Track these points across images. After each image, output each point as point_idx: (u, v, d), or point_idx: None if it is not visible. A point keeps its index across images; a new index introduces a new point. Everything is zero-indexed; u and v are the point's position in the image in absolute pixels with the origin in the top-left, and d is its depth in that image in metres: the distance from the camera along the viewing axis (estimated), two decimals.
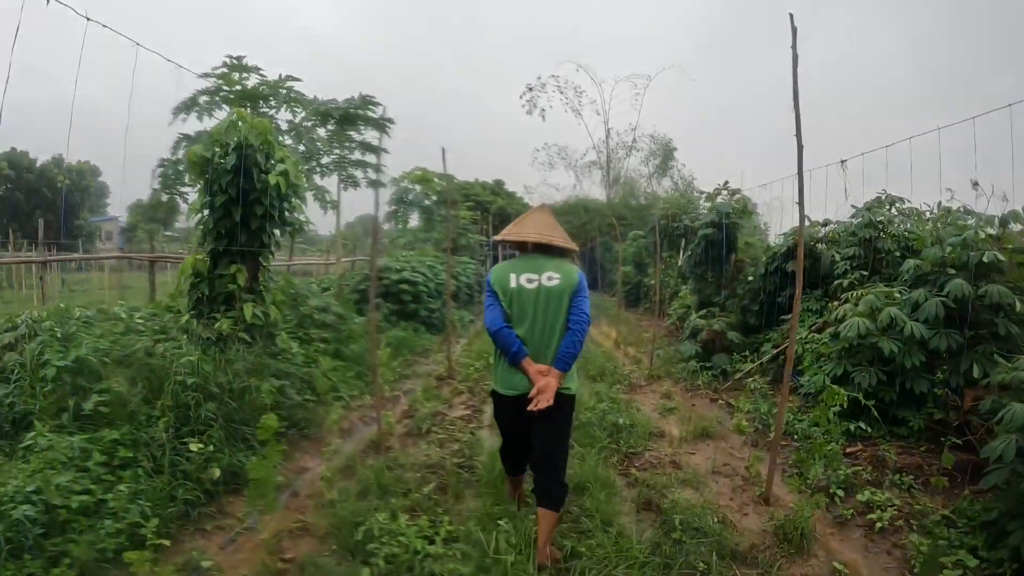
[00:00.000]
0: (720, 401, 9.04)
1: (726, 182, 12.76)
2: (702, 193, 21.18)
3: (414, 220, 24.38)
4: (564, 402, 4.02)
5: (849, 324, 7.01)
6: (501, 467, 4.84)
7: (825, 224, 10.60)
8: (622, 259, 21.18)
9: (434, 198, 23.25)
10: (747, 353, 10.68)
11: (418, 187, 23.18)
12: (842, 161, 9.56)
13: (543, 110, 43.94)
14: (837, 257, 9.62)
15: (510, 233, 4.31)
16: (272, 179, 7.01)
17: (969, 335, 6.50)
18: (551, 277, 4.00)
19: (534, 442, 4.13)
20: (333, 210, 14.82)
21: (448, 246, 12.25)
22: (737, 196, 12.48)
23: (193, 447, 5.17)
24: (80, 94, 6.03)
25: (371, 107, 14.01)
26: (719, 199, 12.90)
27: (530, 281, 4.00)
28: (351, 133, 14.38)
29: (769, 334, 10.65)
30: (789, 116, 4.85)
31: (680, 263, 20.06)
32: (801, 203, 4.83)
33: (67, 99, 5.85)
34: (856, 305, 7.39)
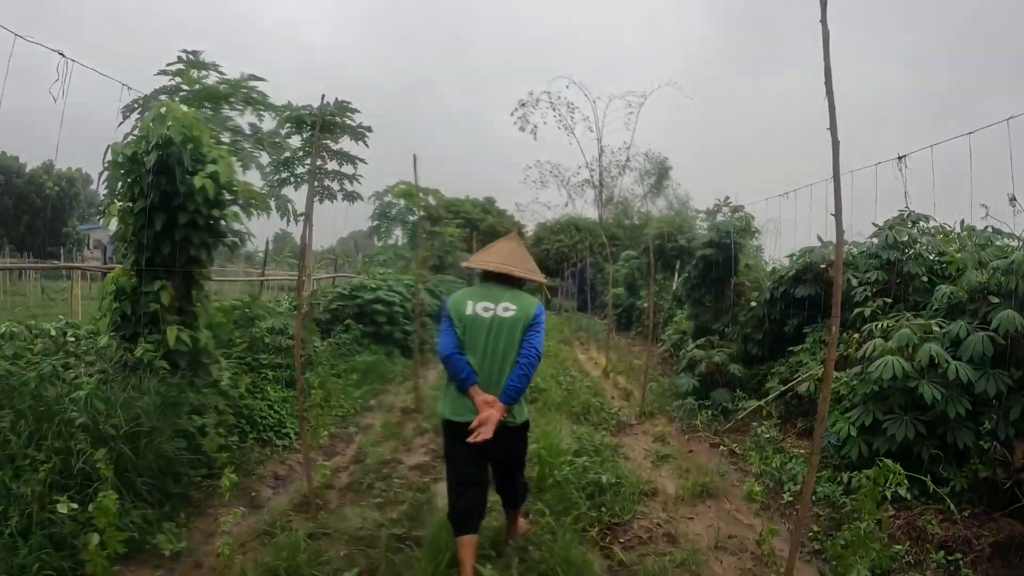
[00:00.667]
0: (722, 446, 7.93)
1: (727, 198, 11.76)
2: (698, 212, 20.47)
3: (400, 237, 23.28)
4: (515, 433, 4.12)
5: (882, 363, 5.88)
6: (449, 539, 4.20)
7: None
8: (613, 280, 20.17)
9: (420, 213, 22.22)
10: (750, 388, 9.62)
11: (402, 202, 22.10)
12: (900, 157, 8.23)
13: (535, 127, 43.18)
14: (854, 282, 8.57)
15: (474, 261, 4.38)
16: (198, 181, 5.92)
17: (1017, 375, 5.47)
18: (507, 308, 3.98)
19: (494, 472, 4.27)
20: (298, 222, 13.71)
21: (419, 263, 11.11)
22: (739, 214, 11.45)
23: (62, 508, 4.06)
24: (73, 101, 5.79)
25: (348, 114, 13.04)
26: (719, 217, 11.85)
27: (486, 310, 3.97)
28: (327, 142, 13.44)
29: (774, 367, 9.60)
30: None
31: (675, 286, 19.10)
32: (838, 212, 3.76)
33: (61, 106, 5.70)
34: (886, 339, 6.28)
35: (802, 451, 7.28)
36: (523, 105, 43.18)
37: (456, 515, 4.06)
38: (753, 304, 10.55)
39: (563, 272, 33.15)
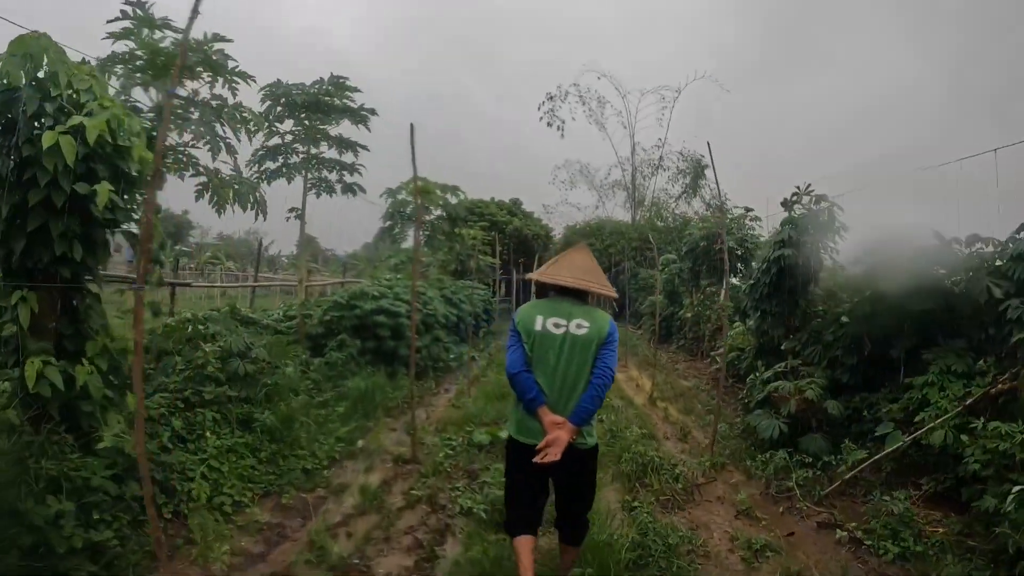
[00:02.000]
0: (834, 523, 5.70)
1: (808, 185, 9.44)
2: (747, 211, 18.18)
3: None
4: (583, 457, 3.85)
5: None
6: None
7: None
8: (658, 286, 17.96)
9: (437, 213, 20.08)
10: (848, 431, 7.42)
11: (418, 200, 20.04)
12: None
13: (563, 122, 40.73)
14: (998, 292, 6.34)
15: (544, 275, 3.99)
16: (47, 139, 3.82)
17: None
18: (580, 325, 3.75)
19: (557, 499, 4.05)
20: (260, 212, 11.66)
21: (415, 265, 8.87)
22: (823, 204, 9.16)
23: None
24: None
25: (346, 93, 11.03)
26: (797, 209, 9.58)
27: (557, 326, 3.76)
28: (323, 127, 11.50)
29: (876, 401, 7.46)
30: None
31: (721, 295, 16.89)
32: None
33: None
34: None
35: (943, 529, 5.32)
36: (551, 98, 40.75)
37: (511, 522, 3.96)
38: (845, 320, 8.30)
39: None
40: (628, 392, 11.89)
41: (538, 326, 3.77)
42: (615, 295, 4.19)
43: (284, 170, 11.37)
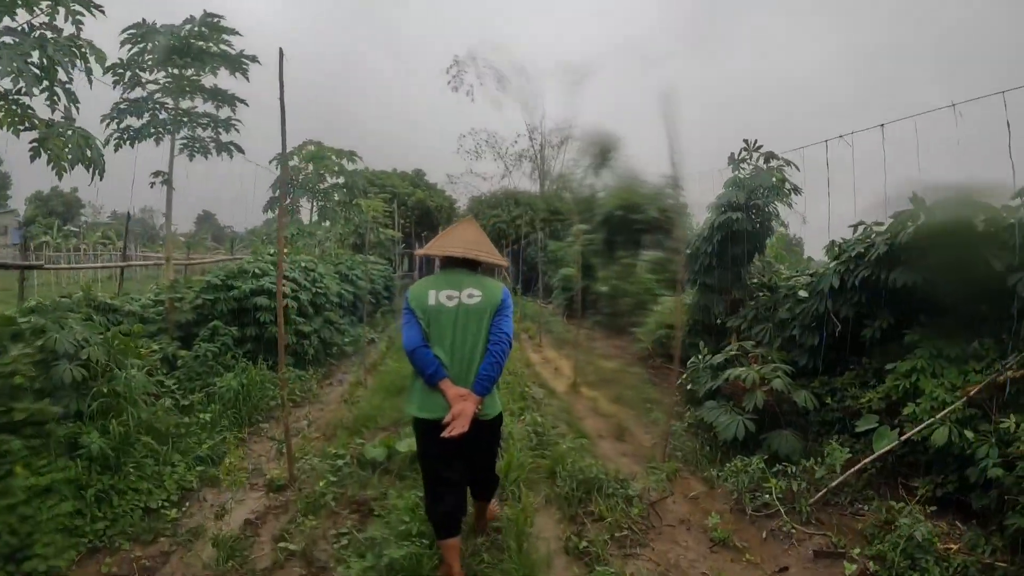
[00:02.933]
0: (835, 549, 4.57)
1: (755, 142, 8.31)
2: (672, 178, 17.17)
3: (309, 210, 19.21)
4: (489, 426, 3.88)
5: None
6: None
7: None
8: (561, 260, 16.78)
9: (332, 180, 18.32)
10: (819, 423, 6.42)
11: (311, 168, 18.15)
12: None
13: (471, 87, 38.91)
14: (997, 264, 5.32)
15: (433, 247, 4.09)
16: None
17: None
18: (472, 294, 3.78)
19: (465, 469, 3.96)
20: (95, 172, 9.91)
21: (280, 235, 7.20)
22: (775, 163, 8.04)
23: None
24: None
25: (222, 36, 9.32)
26: (745, 168, 8.42)
27: (450, 298, 3.77)
28: (194, 77, 9.82)
29: (844, 387, 6.54)
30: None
31: (637, 266, 15.89)
32: None
33: None
34: None
35: (956, 546, 4.40)
36: (458, 62, 38.81)
37: (438, 519, 3.90)
38: (803, 295, 7.25)
39: (501, 251, 28.81)
40: (547, 377, 10.63)
41: (431, 300, 3.76)
42: (506, 263, 4.35)
43: (152, 129, 9.62)
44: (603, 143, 34.21)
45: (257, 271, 10.30)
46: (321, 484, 5.24)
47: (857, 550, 4.44)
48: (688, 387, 8.15)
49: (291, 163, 18.12)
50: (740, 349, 7.32)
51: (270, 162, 17.72)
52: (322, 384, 9.88)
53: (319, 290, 11.19)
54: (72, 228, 48.70)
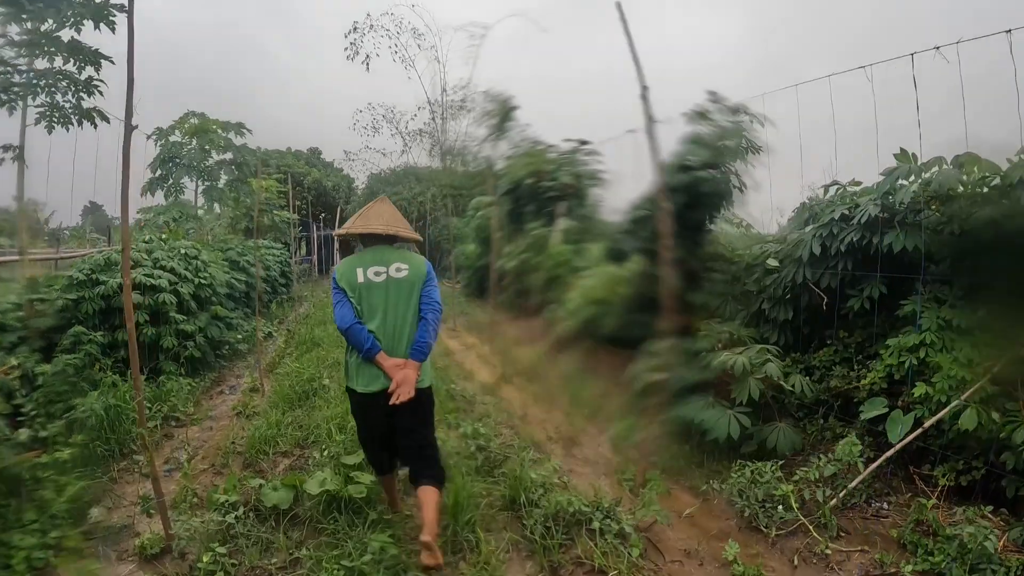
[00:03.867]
0: (884, 572, 3.79)
1: (713, 93, 7.35)
2: (582, 143, 16.24)
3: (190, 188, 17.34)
4: (422, 395, 3.90)
5: None
6: None
7: None
8: (460, 235, 15.62)
9: (217, 156, 16.61)
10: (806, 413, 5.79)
11: (195, 143, 16.35)
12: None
13: (368, 56, 36.60)
14: None
15: (354, 226, 4.14)
16: None
17: None
18: (399, 268, 3.94)
19: (401, 441, 4.03)
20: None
21: (124, 222, 5.82)
22: (739, 118, 7.10)
23: None
24: None
25: None
26: (704, 123, 7.44)
27: (377, 274, 3.91)
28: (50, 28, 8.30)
29: (824, 366, 6.00)
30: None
31: (550, 237, 14.93)
32: None
33: None
34: None
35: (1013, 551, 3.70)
36: (355, 30, 36.34)
37: (375, 468, 4.32)
38: (773, 263, 6.48)
39: None
40: (472, 367, 9.58)
41: (360, 278, 3.87)
42: (420, 239, 4.34)
43: (2, 95, 8.12)
44: (502, 107, 33.05)
45: (136, 261, 8.88)
46: (205, 559, 3.90)
47: (909, 567, 3.65)
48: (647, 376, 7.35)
49: (172, 138, 16.44)
50: (735, 338, 6.47)
51: (148, 137, 15.99)
52: (211, 393, 8.56)
53: (203, 280, 9.77)
54: None
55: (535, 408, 7.55)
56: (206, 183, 16.56)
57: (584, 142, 16.44)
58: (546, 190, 14.85)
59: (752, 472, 4.79)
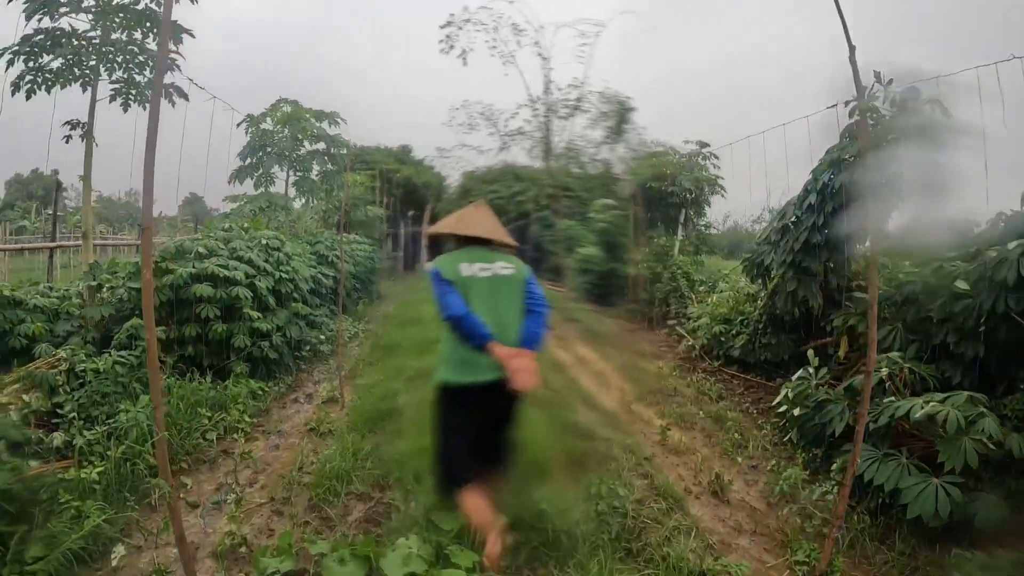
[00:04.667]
0: None
1: (878, 73, 5.78)
2: (702, 146, 14.70)
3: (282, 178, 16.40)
4: (516, 394, 3.59)
5: None
6: None
7: None
8: (577, 239, 14.23)
9: (310, 147, 15.68)
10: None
11: (287, 132, 15.43)
12: None
13: (464, 51, 35.23)
14: None
15: (455, 227, 4.02)
16: None
17: None
18: (504, 267, 3.87)
19: (491, 437, 3.89)
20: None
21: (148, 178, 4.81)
22: (930, 97, 5.50)
23: None
24: None
25: None
26: (886, 97, 5.88)
27: (483, 270, 3.81)
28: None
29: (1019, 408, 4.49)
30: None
31: (675, 249, 13.40)
32: None
33: None
34: None
35: None
36: (451, 23, 35.03)
37: (453, 475, 3.77)
38: (962, 287, 4.89)
39: None
40: (588, 387, 8.13)
41: (464, 271, 3.75)
42: (516, 245, 4.21)
43: (75, 70, 7.54)
44: (619, 108, 31.28)
45: (201, 250, 7.83)
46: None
47: None
48: (790, 409, 5.88)
49: (264, 126, 15.56)
50: (889, 368, 4.91)
51: (238, 125, 15.14)
52: (284, 401, 7.42)
53: (284, 275, 8.66)
54: (52, 213, 46.30)
55: (667, 445, 6.06)
56: (298, 174, 15.66)
57: (704, 144, 14.96)
58: (668, 195, 13.36)
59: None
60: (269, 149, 15.20)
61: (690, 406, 7.25)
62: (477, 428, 3.81)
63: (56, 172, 13.65)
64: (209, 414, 6.05)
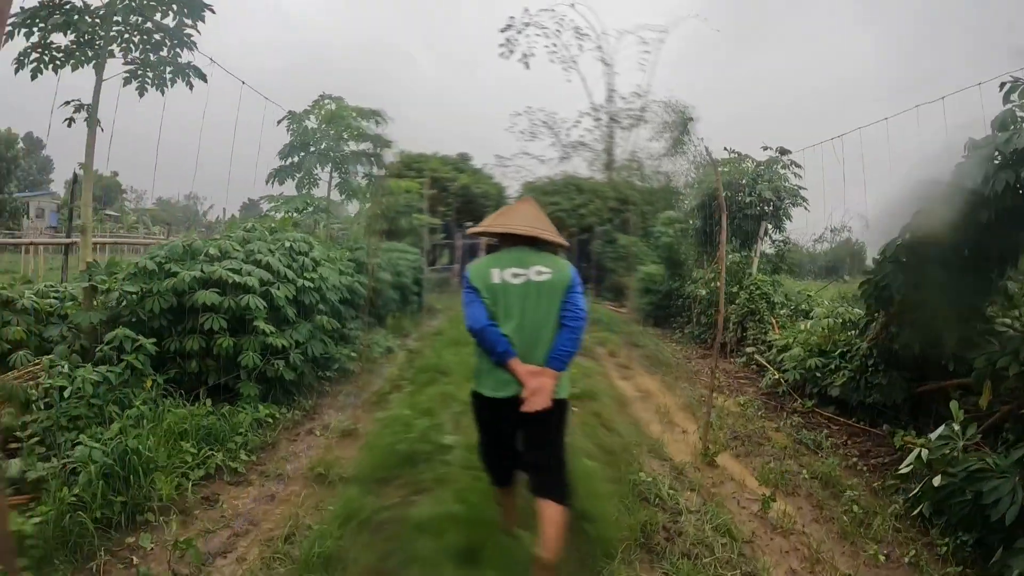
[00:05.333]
0: None
1: None
2: (781, 153, 13.25)
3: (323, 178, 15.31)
4: (556, 407, 3.39)
5: None
6: None
7: None
8: (637, 256, 12.93)
9: (353, 146, 14.61)
10: None
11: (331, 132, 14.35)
12: None
13: (525, 55, 33.93)
14: None
15: (493, 225, 3.75)
16: None
17: None
18: (541, 271, 3.51)
19: (525, 455, 3.61)
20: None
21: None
22: None
23: None
24: None
25: None
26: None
27: (516, 276, 3.51)
28: None
29: None
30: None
31: (753, 266, 11.98)
32: None
33: None
34: None
35: None
36: (511, 27, 33.79)
37: (490, 475, 3.85)
38: None
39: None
40: (658, 431, 6.77)
41: (495, 279, 3.50)
42: (566, 244, 3.87)
43: (87, 50, 6.75)
44: (682, 117, 29.58)
45: (213, 251, 6.75)
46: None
47: None
48: (926, 476, 4.54)
49: (306, 124, 14.57)
50: None
51: (278, 123, 14.18)
52: (298, 431, 6.27)
53: (309, 283, 7.53)
54: (110, 212, 47.21)
55: (766, 519, 4.71)
56: (342, 175, 14.60)
57: (784, 151, 13.48)
58: (743, 206, 11.99)
59: None
60: (312, 148, 14.20)
61: (788, 461, 5.89)
62: (508, 439, 3.62)
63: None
64: (194, 450, 4.96)
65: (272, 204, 13.22)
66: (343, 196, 14.86)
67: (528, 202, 3.95)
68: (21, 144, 48.75)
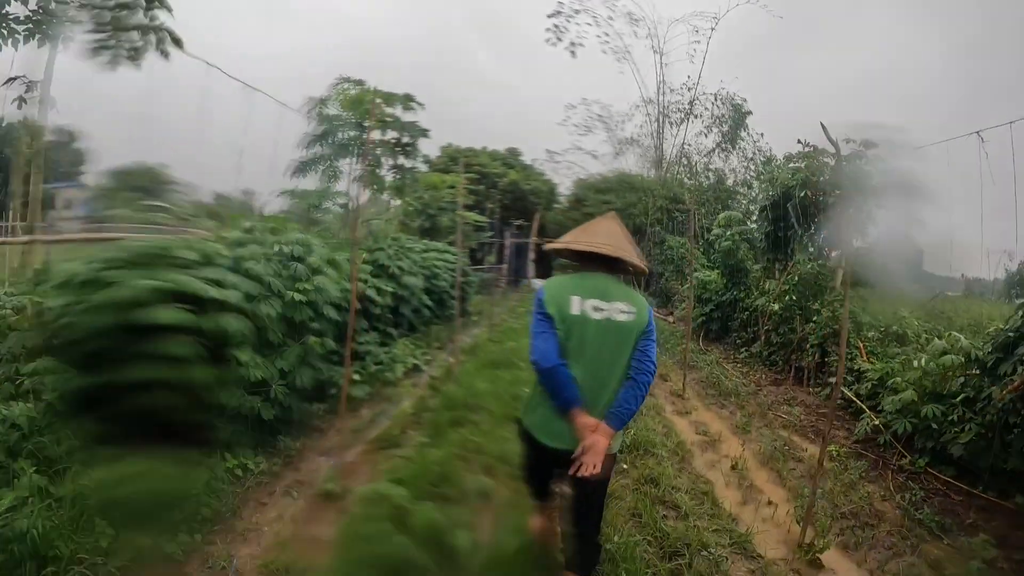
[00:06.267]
0: None
1: None
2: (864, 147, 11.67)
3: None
4: (606, 463, 2.96)
5: None
6: None
7: None
8: (695, 261, 11.36)
9: (381, 135, 13.30)
10: None
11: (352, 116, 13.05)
12: None
13: (573, 43, 32.33)
14: None
15: (577, 242, 3.29)
16: None
17: None
18: (623, 310, 3.06)
19: (569, 520, 3.32)
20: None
21: None
22: None
23: None
24: None
25: None
26: None
27: (598, 310, 3.04)
28: None
29: None
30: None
31: (839, 277, 10.37)
32: None
33: None
34: None
35: None
36: (559, 13, 32.17)
37: (537, 496, 3.61)
38: None
39: None
40: (731, 502, 5.29)
41: (575, 309, 3.03)
42: (647, 271, 3.50)
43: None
44: (731, 118, 27.79)
45: (191, 256, 5.34)
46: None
47: None
48: None
49: (327, 110, 13.38)
50: None
51: (300, 108, 13.00)
52: (273, 488, 4.92)
53: (300, 295, 6.10)
54: (159, 204, 47.07)
55: None
56: (368, 166, 13.25)
57: (870, 144, 11.83)
58: (823, 206, 10.43)
59: None
60: (334, 137, 12.87)
61: (910, 556, 4.38)
62: (552, 474, 3.32)
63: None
64: (111, 531, 3.65)
65: (293, 199, 11.99)
66: (372, 189, 13.64)
67: (611, 218, 3.53)
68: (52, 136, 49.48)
